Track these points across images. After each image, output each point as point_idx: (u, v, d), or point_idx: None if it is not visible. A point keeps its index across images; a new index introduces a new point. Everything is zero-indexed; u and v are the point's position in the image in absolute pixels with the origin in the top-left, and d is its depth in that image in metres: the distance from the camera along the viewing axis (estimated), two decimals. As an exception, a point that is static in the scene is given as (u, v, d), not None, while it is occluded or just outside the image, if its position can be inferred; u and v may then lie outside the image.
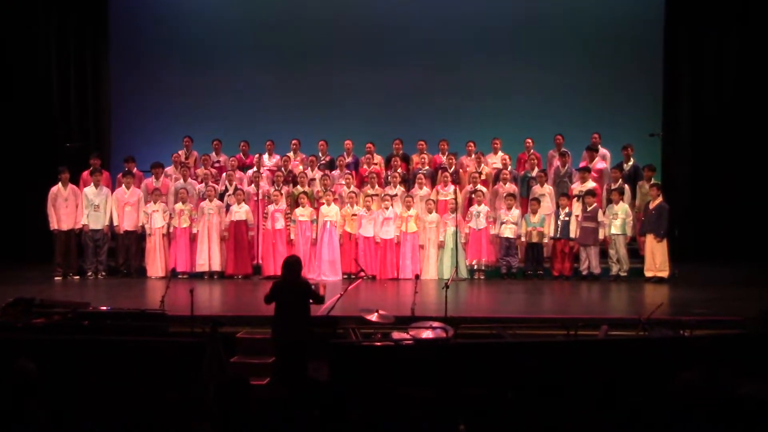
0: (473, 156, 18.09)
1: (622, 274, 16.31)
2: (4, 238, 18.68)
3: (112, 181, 18.01)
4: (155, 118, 20.62)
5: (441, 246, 16.72)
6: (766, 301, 12.31)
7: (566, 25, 20.05)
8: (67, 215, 16.96)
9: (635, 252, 16.72)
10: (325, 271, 16.59)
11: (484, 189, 17.16)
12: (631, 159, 17.53)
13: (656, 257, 16.03)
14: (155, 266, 16.91)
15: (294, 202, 17.18)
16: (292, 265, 10.60)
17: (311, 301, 10.53)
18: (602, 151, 18.03)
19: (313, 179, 17.73)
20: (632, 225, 16.48)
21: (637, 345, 10.05)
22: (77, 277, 16.93)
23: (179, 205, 16.99)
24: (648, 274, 16.09)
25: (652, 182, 16.68)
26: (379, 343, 10.29)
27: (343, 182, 17.54)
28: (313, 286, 10.83)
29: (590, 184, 16.87)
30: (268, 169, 18.24)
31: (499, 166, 17.85)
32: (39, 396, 7.25)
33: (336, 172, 18.03)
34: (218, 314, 12.67)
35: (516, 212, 16.73)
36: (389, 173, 17.79)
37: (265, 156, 18.49)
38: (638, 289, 15.47)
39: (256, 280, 16.63)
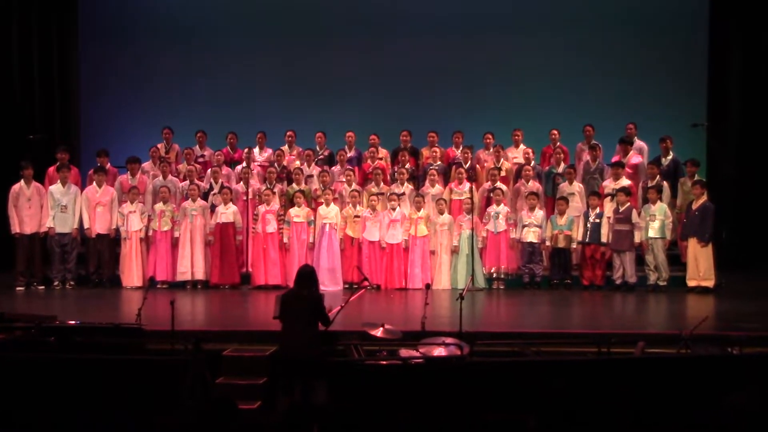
0: (491, 150, 18.09)
1: (661, 283, 16.25)
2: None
3: (81, 178, 18.01)
4: (131, 107, 20.65)
5: (455, 251, 16.70)
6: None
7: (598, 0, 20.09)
8: (30, 217, 16.93)
9: (676, 258, 16.70)
10: (324, 280, 16.49)
11: (503, 187, 17.15)
12: (671, 153, 17.48)
13: (700, 264, 15.97)
14: (131, 275, 16.90)
15: (288, 202, 17.18)
16: (302, 274, 10.59)
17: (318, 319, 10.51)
18: (638, 143, 18.00)
19: (311, 176, 17.73)
20: (672, 228, 16.43)
21: (678, 364, 10.03)
22: (42, 287, 16.90)
23: (159, 206, 16.98)
24: (691, 283, 16.04)
25: (695, 179, 16.63)
26: (384, 362, 10.30)
27: (344, 179, 17.53)
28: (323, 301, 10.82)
29: (624, 182, 16.82)
30: (259, 165, 18.25)
31: (521, 161, 17.84)
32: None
33: (336, 168, 18.04)
34: (202, 329, 12.68)
35: (540, 213, 16.71)
36: (396, 169, 17.78)
37: (256, 150, 18.49)
38: (680, 300, 15.44)
39: (244, 290, 16.63)
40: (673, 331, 11.71)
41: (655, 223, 16.16)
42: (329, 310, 10.69)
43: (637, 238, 16.23)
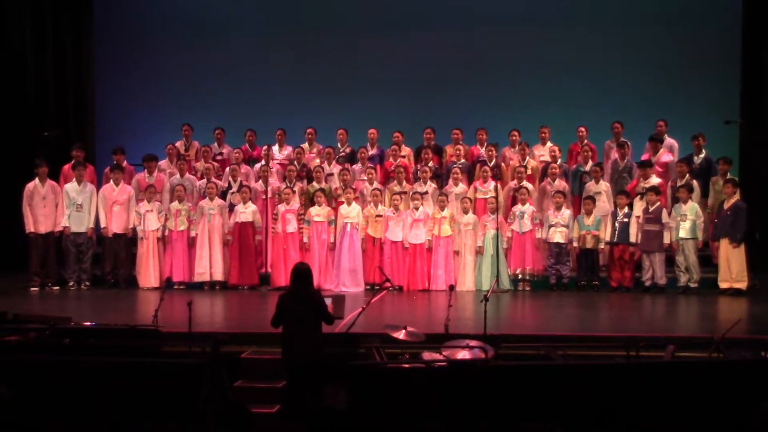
0: (517, 147, 18.04)
1: (692, 285, 16.16)
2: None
3: (97, 176, 18.06)
4: (148, 103, 20.71)
5: (479, 252, 16.67)
6: None
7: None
8: (45, 216, 16.97)
9: (707, 259, 16.60)
10: (345, 281, 16.57)
11: (529, 186, 17.11)
12: (703, 151, 17.39)
13: (732, 265, 15.89)
14: (148, 275, 16.93)
15: (309, 201, 17.17)
16: (301, 273, 10.57)
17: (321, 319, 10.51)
18: (668, 141, 17.91)
19: (331, 174, 17.73)
20: (704, 228, 16.34)
21: (710, 369, 9.98)
22: (57, 287, 16.94)
23: (175, 205, 17.01)
24: (723, 285, 15.96)
25: (727, 177, 16.54)
26: (407, 365, 10.27)
27: (366, 178, 17.53)
28: (330, 300, 10.82)
29: (654, 180, 16.75)
30: (279, 163, 18.26)
31: (548, 159, 17.79)
32: (12, 426, 7.28)
33: (357, 166, 18.02)
34: (220, 331, 12.68)
35: (567, 213, 16.66)
36: (419, 167, 17.76)
37: (275, 147, 18.48)
38: (711, 302, 15.36)
39: (263, 291, 16.63)
40: (705, 335, 11.68)
41: (686, 223, 16.06)
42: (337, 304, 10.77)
43: (667, 238, 16.14)
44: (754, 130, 18.49)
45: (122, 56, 20.65)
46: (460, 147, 18.07)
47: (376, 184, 17.28)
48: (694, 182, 16.63)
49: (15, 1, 19.57)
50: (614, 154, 17.79)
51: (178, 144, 18.52)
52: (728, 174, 16.69)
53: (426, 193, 17.13)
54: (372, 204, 16.93)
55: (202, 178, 17.63)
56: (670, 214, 16.26)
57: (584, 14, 20.04)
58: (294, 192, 17.01)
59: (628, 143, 17.73)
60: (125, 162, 18.01)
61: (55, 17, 20.08)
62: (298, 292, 10.45)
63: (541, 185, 17.47)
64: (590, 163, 17.49)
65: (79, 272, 17.08)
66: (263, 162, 17.72)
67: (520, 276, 16.71)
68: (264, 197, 17.28)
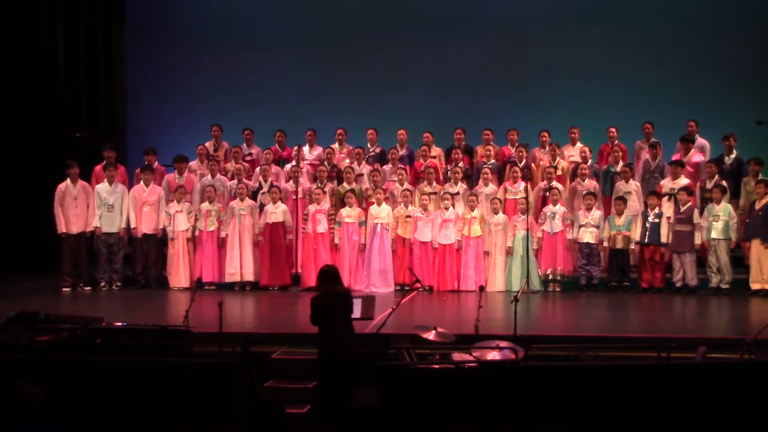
0: (547, 148, 18.01)
1: (724, 286, 16.09)
2: (4, 244, 18.77)
3: (128, 176, 18.15)
4: (178, 104, 20.80)
5: (509, 252, 16.66)
6: None
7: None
8: (76, 216, 17.06)
9: (739, 260, 16.53)
10: (375, 281, 16.58)
11: (560, 186, 17.08)
12: (734, 151, 17.31)
13: (764, 266, 15.81)
14: (178, 276, 17.01)
15: (339, 202, 17.20)
16: (331, 274, 10.57)
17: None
18: (700, 141, 17.83)
19: (361, 175, 17.75)
20: (737, 228, 16.25)
21: (741, 370, 9.94)
22: (88, 288, 17.05)
23: (206, 205, 17.07)
24: (754, 286, 15.89)
25: (759, 178, 16.46)
26: (437, 366, 10.27)
27: (396, 178, 17.54)
28: (360, 300, 10.84)
29: (683, 181, 16.68)
30: (309, 163, 18.29)
31: (578, 159, 17.74)
32: (43, 425, 7.32)
33: (387, 167, 18.03)
34: (251, 331, 12.71)
35: (597, 213, 16.62)
36: (449, 168, 17.75)
37: (306, 148, 18.51)
38: (742, 303, 15.27)
39: (294, 291, 16.66)
40: (736, 336, 11.64)
41: (718, 223, 15.98)
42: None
43: (698, 239, 16.08)
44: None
45: (153, 57, 20.74)
46: (491, 147, 18.06)
47: (406, 185, 17.28)
48: (723, 182, 16.54)
49: (47, 1, 19.71)
50: (645, 155, 17.71)
51: (207, 145, 18.57)
52: (760, 175, 16.61)
53: (456, 193, 17.11)
54: (402, 204, 16.93)
55: (232, 178, 17.67)
56: (701, 214, 16.19)
57: (615, 14, 20.00)
58: (324, 192, 17.04)
59: (659, 143, 17.66)
60: (156, 162, 18.08)
61: (87, 18, 20.18)
62: (332, 293, 10.43)
63: (572, 185, 17.44)
64: (621, 163, 17.42)
65: (110, 272, 17.17)
66: (293, 162, 17.73)
67: (550, 276, 16.68)
68: (294, 198, 17.30)
